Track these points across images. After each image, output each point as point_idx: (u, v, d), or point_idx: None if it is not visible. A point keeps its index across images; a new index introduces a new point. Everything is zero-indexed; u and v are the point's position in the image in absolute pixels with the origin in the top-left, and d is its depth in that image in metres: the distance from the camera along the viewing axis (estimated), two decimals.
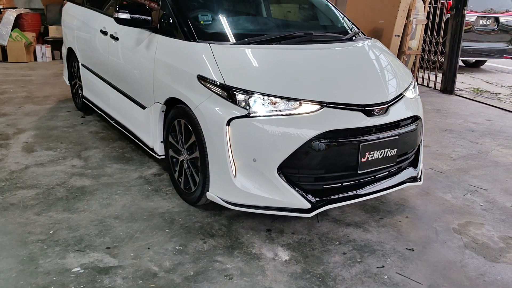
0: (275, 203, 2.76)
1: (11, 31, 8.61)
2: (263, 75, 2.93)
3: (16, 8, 9.21)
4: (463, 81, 8.57)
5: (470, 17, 9.03)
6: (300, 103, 2.75)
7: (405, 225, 3.08)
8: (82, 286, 2.34)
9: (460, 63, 9.99)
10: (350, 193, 2.91)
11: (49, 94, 6.28)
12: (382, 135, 2.90)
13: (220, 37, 3.20)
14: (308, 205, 2.76)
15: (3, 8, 8.86)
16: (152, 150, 3.61)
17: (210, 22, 3.37)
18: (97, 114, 5.18)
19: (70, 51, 5.36)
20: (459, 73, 7.73)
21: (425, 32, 7.72)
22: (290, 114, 2.73)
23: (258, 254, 2.68)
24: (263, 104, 2.74)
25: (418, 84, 7.79)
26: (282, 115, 2.73)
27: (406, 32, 7.30)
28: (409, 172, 3.24)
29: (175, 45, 3.22)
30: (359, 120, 2.83)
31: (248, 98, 2.74)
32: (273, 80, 2.88)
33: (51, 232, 2.83)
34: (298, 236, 2.89)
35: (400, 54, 7.40)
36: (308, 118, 2.73)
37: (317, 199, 2.80)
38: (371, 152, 2.86)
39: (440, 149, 4.59)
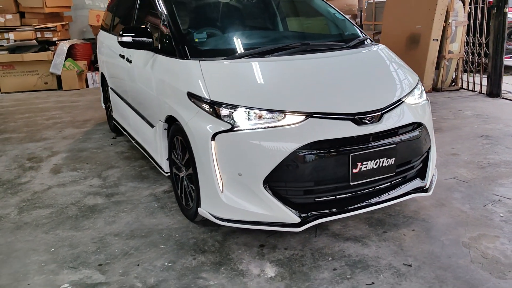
0: (262, 217, 2.71)
1: (65, 60, 9.22)
2: (249, 89, 2.90)
3: (69, 39, 9.86)
4: None
5: None
6: (285, 115, 2.69)
7: (409, 239, 2.89)
8: None
9: (511, 64, 9.32)
10: (343, 207, 2.78)
11: (90, 118, 6.61)
12: (375, 144, 2.76)
13: (212, 54, 3.22)
14: (297, 219, 2.67)
15: (58, 40, 9.51)
16: (161, 167, 3.68)
17: (204, 40, 3.40)
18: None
19: (103, 76, 5.63)
20: (510, 74, 7.21)
21: (468, 33, 7.30)
22: (274, 127, 2.68)
23: (245, 270, 2.63)
24: (248, 118, 2.71)
25: (463, 88, 7.38)
26: (265, 127, 2.68)
27: (446, 35, 6.95)
28: (415, 183, 3.04)
29: (171, 63, 3.29)
30: (348, 130, 2.71)
31: (232, 112, 2.73)
32: (258, 93, 2.85)
33: (53, 249, 2.95)
34: (290, 251, 2.80)
35: (440, 58, 7.05)
36: (291, 130, 2.66)
37: (307, 213, 2.70)
38: (364, 163, 2.73)
39: (469, 157, 4.28)
